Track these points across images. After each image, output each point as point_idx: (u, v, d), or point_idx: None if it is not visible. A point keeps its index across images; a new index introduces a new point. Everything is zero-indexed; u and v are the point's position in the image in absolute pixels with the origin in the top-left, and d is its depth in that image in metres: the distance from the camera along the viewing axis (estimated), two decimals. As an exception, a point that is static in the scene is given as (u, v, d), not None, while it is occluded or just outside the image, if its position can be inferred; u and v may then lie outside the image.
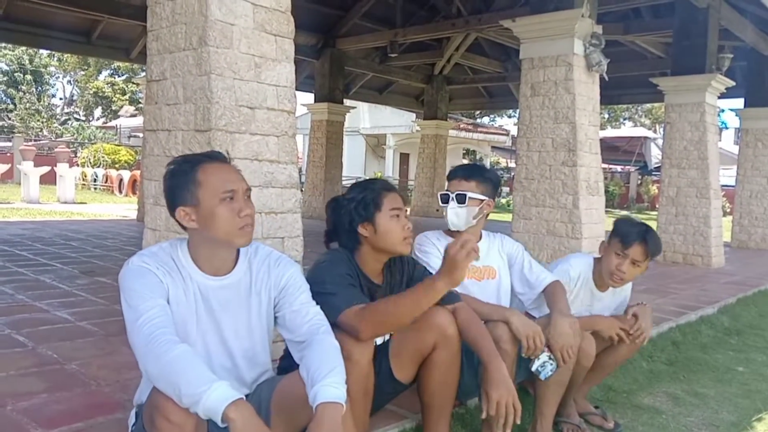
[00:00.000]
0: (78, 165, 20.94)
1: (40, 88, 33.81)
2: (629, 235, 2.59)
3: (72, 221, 10.12)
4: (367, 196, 2.10)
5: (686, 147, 8.14)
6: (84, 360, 3.02)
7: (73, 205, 14.50)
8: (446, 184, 2.62)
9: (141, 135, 25.25)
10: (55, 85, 37.55)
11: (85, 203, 15.23)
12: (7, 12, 8.92)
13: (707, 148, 8.01)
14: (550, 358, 2.27)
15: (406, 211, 2.18)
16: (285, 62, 3.13)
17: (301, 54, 11.85)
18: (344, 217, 2.12)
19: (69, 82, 38.09)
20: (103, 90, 35.44)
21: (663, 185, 8.45)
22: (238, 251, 1.78)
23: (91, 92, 35.89)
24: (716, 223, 8.17)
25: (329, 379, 1.52)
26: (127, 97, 35.11)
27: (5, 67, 33.20)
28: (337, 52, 11.92)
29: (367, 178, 2.28)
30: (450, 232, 2.61)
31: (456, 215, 2.53)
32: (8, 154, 20.91)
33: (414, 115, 19.11)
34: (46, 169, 15.13)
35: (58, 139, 28.15)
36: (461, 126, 24.81)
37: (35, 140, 26.97)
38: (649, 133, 27.37)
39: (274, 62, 3.07)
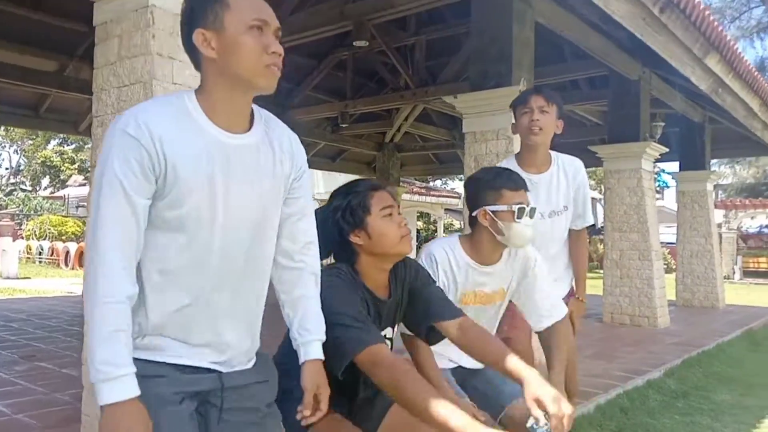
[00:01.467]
0: (23, 238, 20.33)
1: (-16, 158, 33.04)
2: (525, 95, 2.76)
3: (13, 299, 9.78)
4: (353, 200, 1.90)
5: (626, 211, 8.47)
6: (19, 457, 2.90)
7: (17, 280, 14.03)
8: (493, 194, 2.21)
9: (90, 205, 24.69)
10: (0, 154, 36.79)
11: (29, 278, 14.74)
12: (-49, 88, 8.84)
13: (646, 212, 8.35)
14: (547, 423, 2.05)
15: (398, 206, 1.96)
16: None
17: (253, 125, 12.00)
18: (333, 229, 1.91)
19: (15, 151, 37.39)
20: (52, 159, 34.86)
21: (606, 248, 8.73)
22: (253, 113, 1.49)
23: (39, 161, 35.24)
24: (659, 284, 8.43)
25: (320, 335, 1.61)
26: (76, 166, 34.59)
27: (-52, 138, 32.49)
28: (289, 123, 11.99)
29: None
30: (473, 251, 2.29)
31: (530, 233, 2.22)
32: (-52, 228, 20.17)
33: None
34: (-13, 243, 14.66)
35: (1, 212, 27.35)
36: (414, 190, 25.19)
37: (-22, 212, 26.17)
38: (595, 194, 28.31)
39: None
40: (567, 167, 2.87)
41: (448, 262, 2.25)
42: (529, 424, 1.94)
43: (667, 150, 8.94)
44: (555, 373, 2.24)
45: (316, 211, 1.85)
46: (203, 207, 1.36)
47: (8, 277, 14.42)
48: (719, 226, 25.68)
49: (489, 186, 2.23)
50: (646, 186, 8.41)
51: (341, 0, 7.23)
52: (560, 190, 2.83)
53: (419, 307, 2.01)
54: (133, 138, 1.30)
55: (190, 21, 1.40)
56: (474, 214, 2.25)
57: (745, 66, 7.27)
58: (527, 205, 2.19)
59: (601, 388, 4.68)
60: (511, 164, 2.79)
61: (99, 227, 1.30)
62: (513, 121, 2.83)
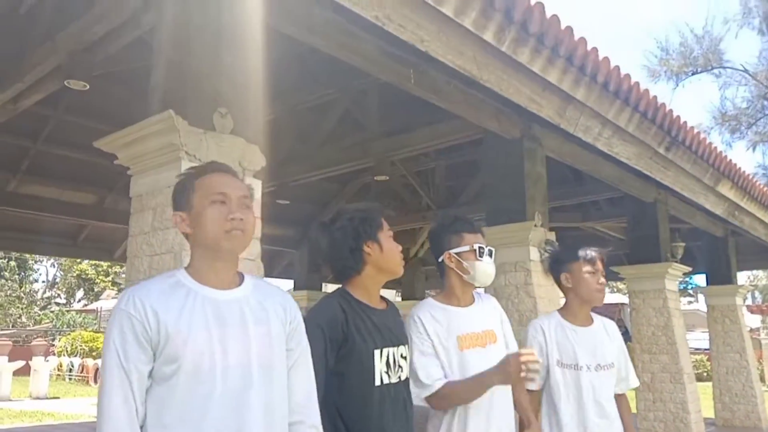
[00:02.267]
0: (54, 354, 20.56)
1: (22, 273, 34.05)
2: (588, 253, 2.77)
3: (41, 427, 9.82)
4: (369, 215, 2.07)
5: (654, 332, 8.36)
6: None
7: (46, 400, 14.09)
8: (455, 238, 2.43)
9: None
10: (38, 269, 37.87)
11: (58, 398, 14.80)
12: (-2, 220, 9.39)
13: (674, 333, 8.23)
14: None
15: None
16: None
17: (281, 245, 12.35)
18: (348, 236, 2.02)
19: (53, 265, 38.49)
20: (87, 272, 35.76)
21: (637, 371, 8.49)
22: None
23: (75, 274, 36.16)
24: (694, 408, 8.16)
25: None
26: (110, 278, 35.36)
27: (-11, 254, 33.67)
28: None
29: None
30: (442, 297, 2.47)
31: (493, 271, 2.44)
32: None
33: (394, 292, 19.44)
34: (20, 364, 14.91)
35: (36, 326, 27.84)
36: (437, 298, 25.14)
37: (13, 327, 26.66)
38: (625, 299, 27.80)
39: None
40: (608, 326, 2.95)
41: (429, 315, 2.37)
42: None
43: (690, 269, 8.92)
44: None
45: (319, 225, 2.15)
46: (201, 354, 1.52)
47: (38, 398, 14.51)
48: (757, 331, 24.90)
49: (449, 231, 2.44)
50: (672, 306, 8.34)
51: (363, 136, 7.66)
52: (605, 345, 2.87)
53: None
54: (127, 313, 1.53)
55: (174, 206, 1.74)
56: (440, 259, 2.42)
57: (759, 189, 7.41)
58: (485, 246, 2.40)
59: None
60: (555, 318, 2.89)
61: (103, 394, 1.51)
62: (561, 274, 2.85)
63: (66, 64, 4.70)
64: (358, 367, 1.97)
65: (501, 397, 2.35)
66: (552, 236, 5.93)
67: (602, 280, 2.78)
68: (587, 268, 2.77)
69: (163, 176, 3.32)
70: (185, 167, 3.19)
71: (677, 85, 22.82)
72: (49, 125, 8.08)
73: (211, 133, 3.32)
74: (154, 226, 3.31)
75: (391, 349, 2.04)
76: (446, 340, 2.35)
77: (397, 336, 2.11)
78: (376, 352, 1.99)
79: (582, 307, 2.85)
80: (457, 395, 2.28)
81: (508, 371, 2.12)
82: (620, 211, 9.90)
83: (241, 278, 1.71)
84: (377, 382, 1.97)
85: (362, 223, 2.05)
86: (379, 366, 1.98)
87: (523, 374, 2.06)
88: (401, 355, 2.07)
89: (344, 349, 1.96)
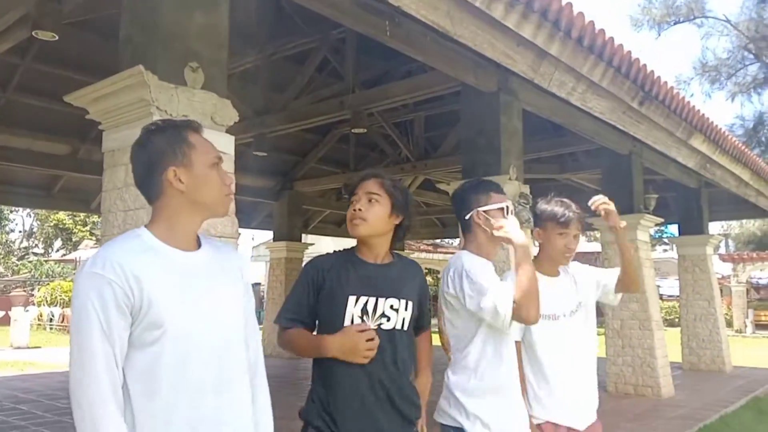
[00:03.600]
0: (34, 304, 20.57)
1: (-2, 223, 33.68)
2: (563, 215, 2.73)
3: (24, 376, 9.93)
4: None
5: (625, 281, 8.56)
6: None
7: (27, 350, 14.19)
8: (484, 197, 2.50)
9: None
10: (14, 219, 37.44)
11: (39, 347, 14.90)
12: (-31, 172, 9.25)
13: (644, 282, 8.45)
14: None
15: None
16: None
17: (260, 196, 12.34)
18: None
19: (28, 214, 38.05)
20: (64, 222, 35.44)
21: (607, 318, 8.81)
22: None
23: (52, 224, 35.83)
24: (661, 354, 8.48)
25: None
26: (87, 228, 35.12)
27: (-36, 205, 33.14)
28: (294, 194, 12.44)
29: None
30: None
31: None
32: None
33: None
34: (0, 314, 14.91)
35: (14, 277, 27.72)
36: (421, 248, 25.38)
37: (-9, 278, 26.56)
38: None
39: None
40: (571, 270, 2.94)
41: (479, 260, 2.43)
42: None
43: (662, 220, 9.11)
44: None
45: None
46: (181, 319, 1.51)
47: (19, 347, 14.59)
48: (728, 279, 25.61)
49: (478, 190, 2.54)
50: (643, 257, 8.55)
51: (340, 88, 7.60)
52: (572, 292, 2.87)
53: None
54: (107, 279, 1.46)
55: (157, 161, 1.59)
56: (467, 216, 2.50)
57: (730, 143, 7.52)
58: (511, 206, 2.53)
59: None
60: None
61: (84, 364, 1.44)
62: (535, 227, 2.85)
63: (33, 13, 4.57)
64: (329, 308, 2.16)
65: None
66: (526, 189, 6.01)
67: (572, 245, 2.77)
68: (560, 230, 2.76)
69: (135, 132, 3.20)
70: (157, 123, 3.19)
71: (659, 35, 22.74)
72: (18, 74, 7.88)
73: (182, 88, 3.30)
74: (126, 181, 3.31)
75: (373, 298, 2.15)
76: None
77: (390, 289, 2.19)
78: (351, 298, 2.13)
79: (550, 263, 2.86)
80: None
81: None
82: (596, 163, 9.99)
83: (198, 239, 1.69)
84: (346, 323, 2.12)
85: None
86: (352, 310, 2.12)
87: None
88: (390, 306, 2.17)
89: (322, 292, 2.18)
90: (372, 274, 2.19)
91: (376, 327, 2.12)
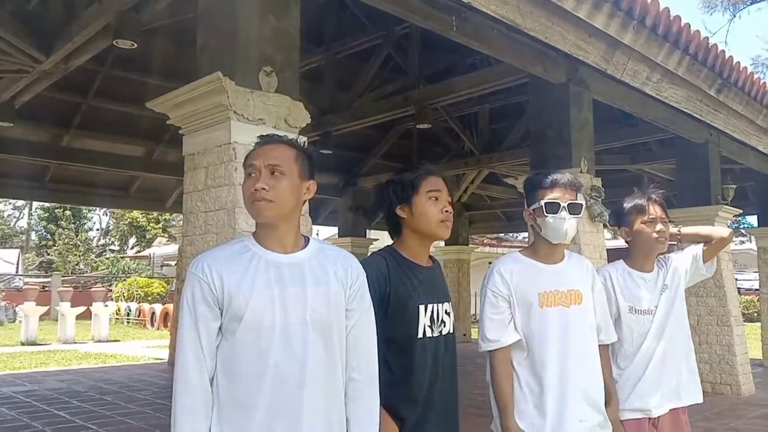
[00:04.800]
0: (112, 299, 21.56)
1: (78, 222, 35.37)
2: (640, 205, 2.72)
3: (106, 368, 10.43)
4: (406, 178, 2.12)
5: (701, 275, 8.26)
6: None
7: (107, 343, 14.89)
8: (532, 194, 2.42)
9: (173, 263, 26.34)
10: (92, 218, 39.28)
11: (118, 340, 15.61)
12: (54, 174, 9.77)
13: (722, 276, 8.13)
14: None
15: (448, 194, 2.17)
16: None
17: (325, 193, 12.49)
18: (385, 200, 2.15)
19: (105, 213, 39.84)
20: (138, 220, 36.92)
21: (683, 313, 8.51)
22: (307, 239, 1.83)
23: (126, 222, 37.40)
24: (741, 350, 8.13)
25: None
26: (160, 226, 36.46)
27: (47, 204, 34.96)
28: (358, 190, 12.55)
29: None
30: (530, 252, 2.48)
31: (571, 227, 2.37)
32: (47, 290, 21.67)
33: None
34: (81, 309, 15.70)
35: (93, 273, 29.10)
36: (485, 242, 25.18)
37: (72, 273, 27.96)
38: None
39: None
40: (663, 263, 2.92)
41: (511, 267, 2.40)
42: None
43: (740, 212, 8.72)
44: (612, 401, 2.48)
45: (379, 184, 2.26)
46: (262, 311, 1.64)
47: (99, 340, 15.33)
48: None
49: (529, 189, 2.46)
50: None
51: (404, 83, 7.62)
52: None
53: None
54: (197, 276, 1.69)
55: None
56: (524, 217, 2.48)
57: (816, 129, 7.12)
58: (563, 202, 2.34)
59: None
60: (620, 266, 2.85)
61: (179, 349, 1.68)
62: (624, 228, 2.80)
63: (114, 23, 4.79)
64: (403, 319, 2.05)
65: (578, 355, 2.36)
66: (598, 182, 5.88)
67: (660, 227, 2.70)
68: (643, 218, 2.72)
69: (214, 135, 3.43)
70: (234, 126, 3.29)
71: (734, 16, 21.70)
72: (98, 81, 8.28)
73: (257, 93, 3.39)
74: (207, 184, 3.43)
75: (435, 305, 2.12)
76: (527, 295, 2.36)
77: (442, 293, 2.19)
78: (421, 307, 2.07)
79: (644, 258, 2.79)
80: (497, 388, 2.36)
81: None
82: (670, 153, 9.64)
83: (305, 242, 1.81)
84: (420, 335, 2.06)
85: (396, 187, 2.12)
86: (423, 320, 2.07)
87: None
88: (445, 311, 2.15)
89: (389, 302, 2.04)
90: (428, 279, 2.15)
91: (438, 333, 2.11)
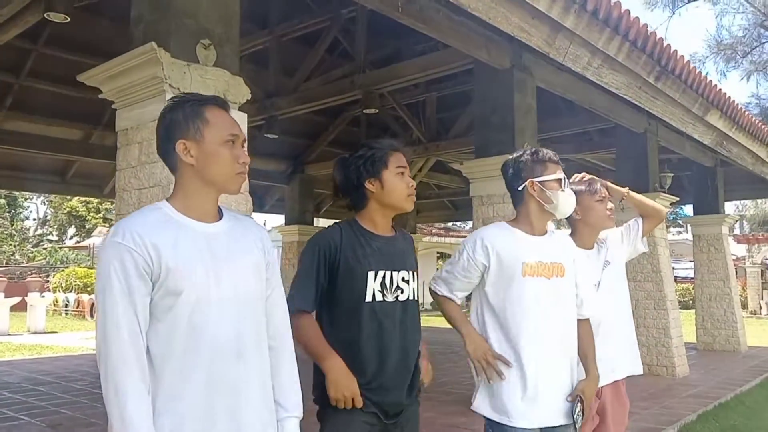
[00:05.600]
0: (50, 290, 20.80)
1: (13, 211, 33.98)
2: (593, 186, 2.87)
3: (41, 359, 10.04)
4: (376, 153, 2.18)
5: (639, 260, 8.51)
6: None
7: (44, 335, 14.35)
8: (539, 166, 2.41)
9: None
10: (29, 207, 37.78)
11: (56, 332, 15.07)
12: (-17, 158, 9.32)
13: (659, 261, 8.40)
14: (581, 411, 2.38)
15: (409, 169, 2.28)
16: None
17: (272, 180, 12.33)
18: (352, 174, 2.20)
19: (43, 202, 38.40)
20: (77, 209, 35.73)
21: (622, 298, 8.76)
22: (220, 210, 1.72)
23: (65, 212, 36.14)
24: (676, 333, 8.44)
25: (296, 412, 1.76)
26: (101, 215, 35.38)
27: (-21, 192, 33.51)
28: (306, 177, 12.41)
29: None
30: (516, 223, 2.48)
31: (574, 202, 2.50)
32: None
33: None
34: (16, 300, 15.10)
35: (30, 264, 28.01)
36: (433, 231, 25.37)
37: (6, 265, 26.83)
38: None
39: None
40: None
41: (497, 235, 2.44)
42: (574, 414, 2.36)
43: (677, 199, 9.01)
44: (591, 366, 2.50)
45: (341, 157, 2.28)
46: (199, 286, 1.55)
47: (36, 332, 14.76)
48: (743, 260, 25.41)
49: (534, 159, 2.44)
50: (658, 235, 8.48)
51: (351, 68, 7.55)
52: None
53: None
54: (127, 247, 1.50)
55: (170, 133, 1.63)
56: (520, 187, 2.45)
57: (747, 119, 7.40)
58: (566, 177, 2.46)
59: None
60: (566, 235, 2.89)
61: (109, 328, 1.48)
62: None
63: (44, -6, 4.56)
64: (349, 284, 2.14)
65: (557, 324, 2.41)
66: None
67: (610, 205, 2.87)
68: (594, 197, 2.84)
69: (148, 110, 3.30)
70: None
71: (673, 13, 22.38)
72: (30, 59, 7.91)
73: (194, 66, 3.28)
74: (141, 159, 3.31)
75: (388, 272, 2.18)
76: (511, 263, 2.38)
77: (400, 261, 2.24)
78: (370, 274, 2.14)
79: (590, 234, 2.91)
80: (447, 315, 2.53)
81: (472, 350, 2.37)
82: (611, 142, 9.89)
83: (219, 211, 1.72)
84: (368, 299, 2.14)
85: (366, 162, 2.18)
86: (372, 285, 2.15)
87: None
88: (402, 278, 2.21)
89: (337, 268, 2.14)
90: (384, 248, 2.21)
91: (394, 299, 2.18)
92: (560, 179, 2.41)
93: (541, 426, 2.35)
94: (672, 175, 9.23)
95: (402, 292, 2.21)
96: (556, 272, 2.42)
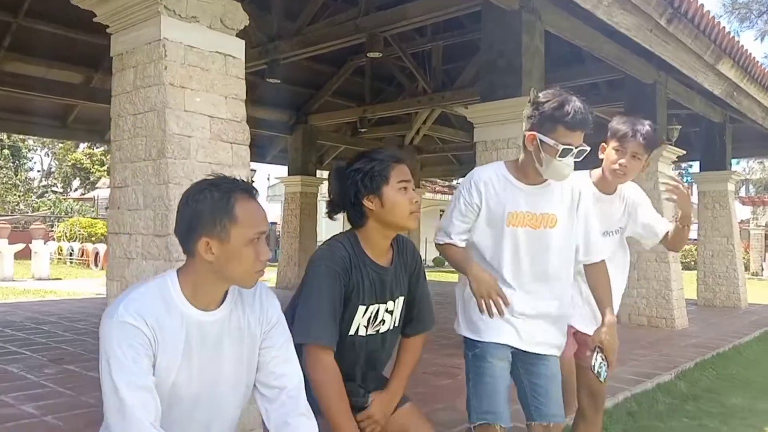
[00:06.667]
0: (54, 239, 20.89)
1: (17, 161, 33.95)
2: (625, 130, 2.60)
3: (45, 302, 10.12)
4: (375, 167, 2.00)
5: (643, 214, 8.45)
6: (46, 461, 3.10)
7: (48, 281, 14.46)
8: (549, 124, 2.17)
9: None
10: (33, 158, 37.74)
11: (60, 279, 15.19)
12: (-16, 100, 9.23)
13: (664, 214, 8.29)
14: (603, 360, 2.32)
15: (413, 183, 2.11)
16: (241, 167, 3.36)
17: (275, 130, 12.23)
18: (350, 189, 2.02)
19: (47, 154, 38.33)
20: (82, 161, 35.67)
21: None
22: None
23: (69, 164, 36.10)
24: (677, 286, 8.43)
25: None
26: (105, 168, 35.34)
27: (-18, 142, 33.43)
28: (309, 128, 12.31)
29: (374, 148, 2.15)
30: (514, 168, 2.37)
31: (569, 171, 2.27)
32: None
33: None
34: (20, 246, 15.15)
35: (34, 213, 28.11)
36: (437, 189, 25.28)
37: (11, 215, 26.93)
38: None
39: (230, 168, 3.29)
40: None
41: (490, 179, 2.34)
42: (595, 369, 2.31)
43: (684, 153, 8.89)
44: (607, 311, 2.41)
45: (338, 166, 2.10)
46: (182, 386, 1.57)
47: (40, 278, 14.86)
48: (747, 222, 25.33)
49: (550, 115, 2.19)
50: (662, 189, 8.38)
51: (355, 12, 7.37)
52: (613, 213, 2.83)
53: (407, 300, 2.22)
54: (133, 326, 1.49)
55: (194, 226, 1.55)
56: (525, 131, 2.29)
57: (759, 70, 7.24)
58: (576, 147, 2.19)
59: (608, 392, 4.74)
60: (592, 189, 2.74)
61: (127, 415, 1.45)
62: (603, 144, 2.70)
63: None
64: (342, 317, 2.05)
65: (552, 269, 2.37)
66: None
67: (624, 161, 2.62)
68: (616, 144, 2.64)
69: (144, 32, 3.22)
70: (165, 22, 3.08)
71: (687, -32, 21.82)
72: (28, -2, 7.76)
73: (191, -14, 3.18)
74: (135, 84, 3.24)
75: (377, 306, 2.09)
76: (498, 211, 2.32)
77: (390, 291, 2.13)
78: (361, 308, 2.05)
79: (605, 180, 2.73)
80: (452, 260, 2.43)
81: (476, 287, 2.24)
82: (619, 96, 9.72)
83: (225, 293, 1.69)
84: (351, 332, 2.06)
85: (364, 177, 1.99)
86: (359, 320, 2.06)
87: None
88: (386, 310, 2.13)
89: (342, 304, 2.04)
90: (378, 279, 2.09)
91: (374, 332, 2.12)
92: (559, 150, 2.17)
93: (512, 345, 2.34)
94: (680, 127, 9.09)
95: (384, 324, 2.15)
96: (546, 223, 2.34)
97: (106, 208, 28.90)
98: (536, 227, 2.32)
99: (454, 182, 30.15)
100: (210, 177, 1.64)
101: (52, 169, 38.70)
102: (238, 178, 1.64)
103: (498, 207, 2.31)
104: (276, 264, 13.12)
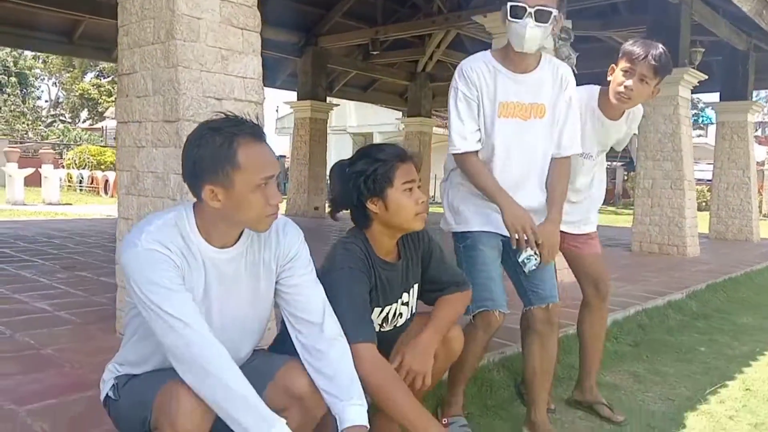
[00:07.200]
0: (63, 167, 20.90)
1: (25, 90, 33.67)
2: (637, 52, 2.43)
3: (56, 220, 10.18)
4: (378, 169, 1.89)
5: (660, 139, 8.29)
6: (60, 345, 3.12)
7: (58, 206, 14.50)
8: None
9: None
10: (40, 87, 37.41)
11: (71, 204, 15.23)
12: (-12, 13, 8.99)
13: (681, 140, 8.17)
14: (535, 254, 2.27)
15: (419, 180, 2.01)
16: (251, 55, 3.22)
17: (284, 52, 11.95)
18: (352, 191, 1.93)
19: (54, 84, 37.94)
20: (89, 92, 35.33)
21: (638, 177, 8.61)
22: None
23: (77, 94, 35.77)
24: (690, 214, 8.33)
25: (354, 398, 1.63)
26: (113, 98, 35.00)
27: (-11, 69, 33.08)
28: (319, 50, 12.02)
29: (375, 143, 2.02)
30: (501, 55, 2.30)
31: (532, 37, 2.16)
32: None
33: (400, 113, 19.24)
34: (30, 170, 15.12)
35: (43, 141, 28.06)
36: (446, 124, 24.99)
37: (20, 142, 26.89)
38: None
39: (240, 54, 3.16)
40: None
41: (480, 69, 2.27)
42: (520, 259, 2.26)
43: (706, 77, 8.62)
44: (554, 209, 2.34)
45: (339, 164, 2.01)
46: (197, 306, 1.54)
47: (51, 203, 14.91)
48: (762, 163, 24.96)
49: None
50: (682, 114, 8.19)
51: None
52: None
53: (428, 278, 2.14)
54: (161, 253, 1.48)
55: (198, 174, 1.50)
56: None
57: (793, -15, 6.90)
58: (530, 7, 2.13)
59: (619, 306, 4.73)
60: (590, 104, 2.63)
61: (179, 328, 1.45)
62: (613, 65, 2.53)
63: None
64: None
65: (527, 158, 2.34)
66: (569, 24, 5.65)
67: (630, 83, 2.43)
68: (625, 65, 2.45)
69: None
70: None
71: None
72: None
73: None
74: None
75: (391, 306, 2.04)
76: (488, 103, 2.26)
77: (404, 285, 2.07)
78: (377, 310, 2.00)
79: (609, 102, 2.55)
80: (477, 182, 2.31)
81: (510, 221, 2.21)
82: (641, 19, 9.38)
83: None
84: None
85: (367, 180, 1.89)
86: (376, 320, 2.00)
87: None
88: (402, 303, 2.07)
89: None
90: (390, 277, 2.02)
91: (392, 327, 2.07)
92: (506, 9, 2.14)
93: (501, 233, 2.34)
94: (703, 50, 8.79)
95: (401, 317, 2.08)
96: (536, 113, 2.29)
97: (115, 138, 28.95)
98: (526, 118, 2.29)
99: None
100: (214, 118, 1.56)
101: (60, 100, 38.40)
102: (244, 117, 1.55)
103: (489, 96, 2.26)
104: (286, 196, 13.02)
